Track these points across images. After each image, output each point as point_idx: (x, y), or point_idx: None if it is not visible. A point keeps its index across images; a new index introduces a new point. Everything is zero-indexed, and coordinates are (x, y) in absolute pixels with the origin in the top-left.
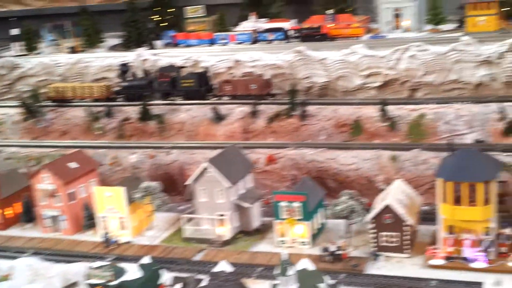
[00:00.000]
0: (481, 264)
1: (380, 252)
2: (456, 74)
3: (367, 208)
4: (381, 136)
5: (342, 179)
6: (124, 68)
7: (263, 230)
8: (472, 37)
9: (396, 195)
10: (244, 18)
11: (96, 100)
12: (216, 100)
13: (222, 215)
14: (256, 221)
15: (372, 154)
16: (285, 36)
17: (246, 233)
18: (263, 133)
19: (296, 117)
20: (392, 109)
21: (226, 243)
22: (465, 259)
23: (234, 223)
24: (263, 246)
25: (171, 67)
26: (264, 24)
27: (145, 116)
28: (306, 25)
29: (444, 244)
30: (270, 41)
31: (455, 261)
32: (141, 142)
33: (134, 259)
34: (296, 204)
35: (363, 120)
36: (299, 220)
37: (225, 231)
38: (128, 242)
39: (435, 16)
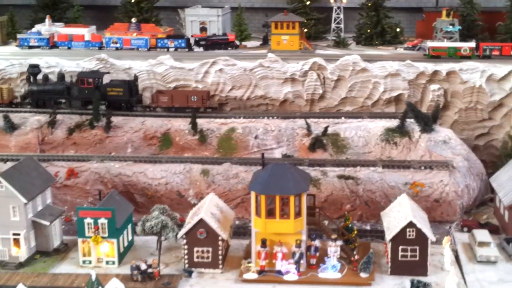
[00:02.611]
0: (293, 276)
1: (193, 268)
2: (262, 89)
3: (180, 224)
4: (192, 149)
5: (151, 194)
6: (35, 70)
7: (64, 250)
8: (277, 55)
9: (209, 209)
10: (39, 21)
11: None
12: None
13: (17, 234)
14: (56, 240)
15: (183, 168)
16: (187, 44)
17: (44, 253)
18: (63, 145)
19: (99, 128)
20: (202, 123)
21: (22, 265)
22: (278, 272)
23: (30, 243)
24: (64, 267)
25: (94, 73)
26: (61, 28)
27: None
28: (203, 32)
29: (257, 257)
30: (170, 48)
31: (268, 274)
32: None
33: None
34: (102, 221)
35: (173, 133)
36: (105, 237)
37: (21, 251)
38: None
39: (240, 33)
